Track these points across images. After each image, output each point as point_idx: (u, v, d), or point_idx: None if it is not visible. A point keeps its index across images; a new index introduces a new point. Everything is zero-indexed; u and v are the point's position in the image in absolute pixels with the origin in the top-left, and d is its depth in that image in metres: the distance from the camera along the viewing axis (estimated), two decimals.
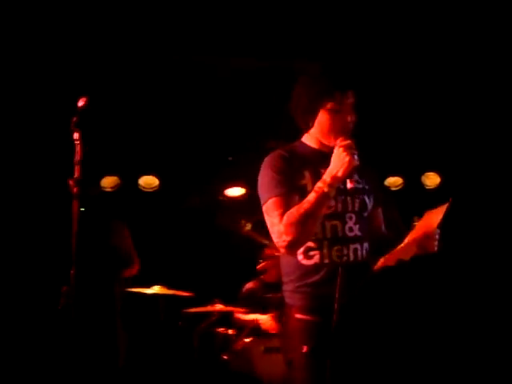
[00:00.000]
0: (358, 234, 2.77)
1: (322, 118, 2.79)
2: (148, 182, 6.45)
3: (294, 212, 2.66)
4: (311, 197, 2.65)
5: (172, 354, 5.39)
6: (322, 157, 2.79)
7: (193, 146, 6.22)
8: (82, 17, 4.43)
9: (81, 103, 2.56)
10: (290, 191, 2.72)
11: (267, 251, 5.91)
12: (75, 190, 2.48)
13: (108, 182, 6.28)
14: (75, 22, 4.45)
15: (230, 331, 5.75)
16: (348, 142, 2.67)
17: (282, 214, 2.68)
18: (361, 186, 2.81)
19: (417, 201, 6.19)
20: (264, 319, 5.57)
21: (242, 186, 6.83)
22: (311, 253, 2.75)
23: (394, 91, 5.63)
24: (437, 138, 6.11)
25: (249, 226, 5.27)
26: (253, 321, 5.65)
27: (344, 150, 2.64)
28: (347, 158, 2.62)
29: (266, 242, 5.36)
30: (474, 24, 4.84)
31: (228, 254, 6.60)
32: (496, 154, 6.03)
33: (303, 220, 2.63)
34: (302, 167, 2.78)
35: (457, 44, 5.10)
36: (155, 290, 5.06)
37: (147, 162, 6.33)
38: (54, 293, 2.45)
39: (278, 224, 2.68)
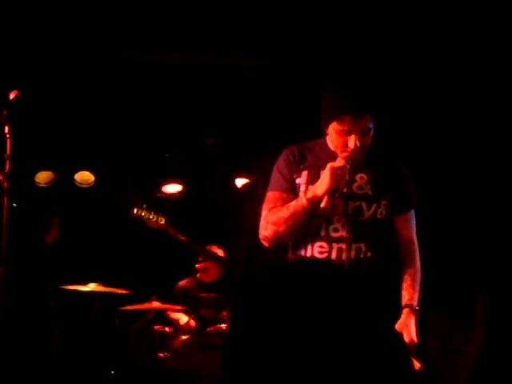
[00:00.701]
0: (345, 235, 2.87)
1: (330, 133, 2.89)
2: (84, 177, 6.36)
3: (275, 212, 2.85)
4: (291, 204, 2.82)
5: (108, 351, 5.33)
6: (333, 160, 2.88)
7: (130, 143, 6.16)
8: (12, 11, 4.33)
9: (11, 96, 2.49)
10: (286, 189, 2.88)
11: (207, 249, 5.90)
12: (5, 184, 2.42)
13: (42, 177, 6.17)
14: (5, 15, 4.35)
15: (167, 329, 5.72)
16: (340, 164, 2.76)
17: (270, 209, 2.88)
18: (362, 192, 2.89)
19: None
20: (183, 318, 5.60)
21: (179, 183, 6.80)
22: (300, 247, 2.91)
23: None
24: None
25: (162, 220, 5.22)
26: (177, 319, 5.66)
27: (330, 172, 2.74)
28: (328, 180, 2.73)
29: (183, 238, 5.33)
30: (436, 27, 4.89)
31: (166, 252, 6.56)
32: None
33: (279, 223, 2.83)
34: (303, 166, 2.91)
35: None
36: (91, 287, 4.99)
37: (83, 158, 6.24)
38: None
39: (263, 217, 2.89)
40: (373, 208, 2.90)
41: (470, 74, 5.28)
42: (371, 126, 2.85)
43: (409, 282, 2.92)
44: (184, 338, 5.63)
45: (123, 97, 5.74)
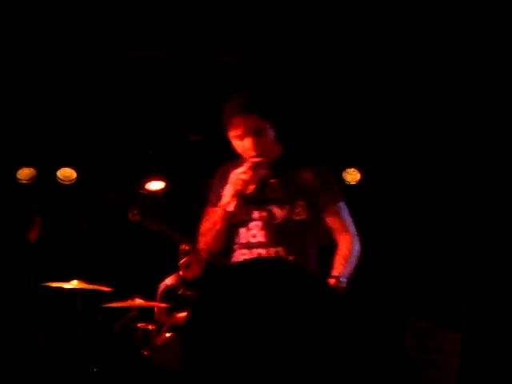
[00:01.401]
0: (263, 240, 2.93)
1: (232, 143, 2.99)
2: (66, 174, 6.32)
3: (204, 224, 3.03)
4: (213, 215, 2.98)
5: (91, 349, 5.30)
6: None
7: (113, 139, 6.13)
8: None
9: None
10: (215, 204, 3.00)
11: (185, 246, 5.89)
12: None
13: (24, 173, 6.13)
14: None
15: (150, 326, 5.71)
16: (241, 170, 2.88)
17: (203, 223, 3.04)
18: (274, 195, 2.96)
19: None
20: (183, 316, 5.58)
21: (162, 180, 6.77)
22: (231, 254, 3.03)
23: (316, 88, 5.67)
24: (357, 135, 6.20)
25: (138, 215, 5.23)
26: (172, 317, 5.64)
27: (232, 178, 2.89)
28: (231, 185, 2.88)
29: (183, 238, 5.34)
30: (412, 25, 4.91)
31: (148, 249, 6.54)
32: (416, 151, 6.16)
33: (206, 233, 3.00)
34: (227, 181, 2.97)
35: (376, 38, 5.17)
36: (73, 284, 4.96)
37: (65, 155, 6.20)
38: None
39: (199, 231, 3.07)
40: (285, 210, 2.93)
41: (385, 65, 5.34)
42: (263, 125, 2.90)
43: (336, 258, 2.91)
44: (167, 335, 5.62)
45: (106, 93, 5.71)
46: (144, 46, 5.19)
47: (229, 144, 5.81)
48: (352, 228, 2.99)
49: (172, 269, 6.05)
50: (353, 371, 2.52)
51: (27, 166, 6.08)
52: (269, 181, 2.97)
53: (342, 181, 6.46)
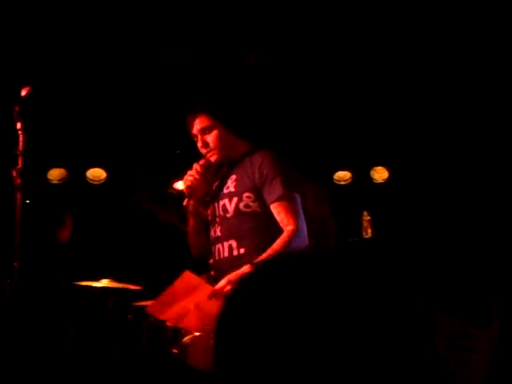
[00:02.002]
0: (219, 235, 3.06)
1: None
2: (95, 174, 6.37)
3: None
4: None
5: (121, 347, 5.35)
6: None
7: (141, 139, 6.17)
8: (25, 6, 4.35)
9: (23, 92, 2.50)
10: None
11: None
12: (18, 181, 2.43)
13: (55, 174, 6.19)
14: (17, 11, 4.37)
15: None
16: (192, 169, 3.03)
17: None
18: (228, 190, 3.07)
19: (365, 195, 6.25)
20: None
21: None
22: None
23: (342, 86, 5.66)
24: (385, 133, 6.18)
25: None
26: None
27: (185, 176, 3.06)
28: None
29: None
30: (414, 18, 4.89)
31: (178, 248, 6.57)
32: (443, 149, 6.12)
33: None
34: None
35: (404, 38, 5.15)
36: (104, 283, 5.00)
37: (95, 155, 6.26)
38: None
39: None
40: (234, 202, 3.01)
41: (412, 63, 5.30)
42: (210, 124, 3.01)
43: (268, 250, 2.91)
44: (197, 334, 5.65)
45: (136, 94, 5.75)
46: (171, 47, 5.22)
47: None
48: (296, 222, 2.92)
49: (204, 268, 6.07)
50: (388, 371, 2.52)
51: (57, 166, 6.14)
52: (228, 178, 3.07)
53: (370, 179, 6.46)
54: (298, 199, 2.99)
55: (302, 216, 2.96)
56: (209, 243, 3.13)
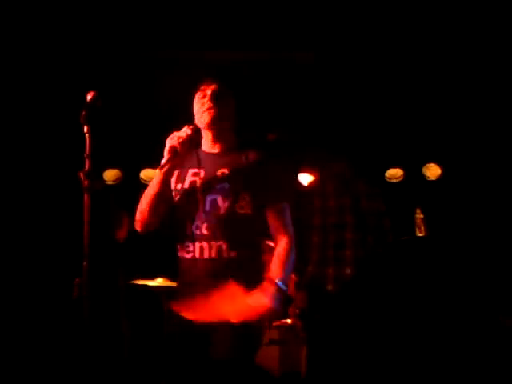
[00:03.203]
0: (205, 232, 2.84)
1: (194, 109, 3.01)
2: (149, 175, 6.44)
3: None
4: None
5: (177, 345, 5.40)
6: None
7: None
8: (91, 12, 4.45)
9: (89, 97, 2.56)
10: None
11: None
12: (86, 182, 2.49)
13: (110, 175, 6.28)
14: (84, 17, 4.47)
15: None
16: (179, 131, 2.87)
17: None
18: (220, 185, 2.87)
19: (418, 193, 6.22)
20: None
21: None
22: (177, 246, 2.97)
23: (394, 84, 5.64)
24: (437, 129, 6.13)
25: None
26: None
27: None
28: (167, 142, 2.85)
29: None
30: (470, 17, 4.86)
31: None
32: (497, 146, 6.05)
33: (142, 201, 2.93)
34: None
35: (455, 36, 5.12)
36: (159, 282, 5.07)
37: (149, 155, 6.33)
38: (68, 284, 2.47)
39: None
40: (228, 201, 2.83)
41: (464, 59, 5.23)
42: (226, 95, 2.93)
43: (274, 260, 2.85)
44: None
45: (185, 95, 5.80)
46: (221, 48, 5.26)
47: (303, 142, 5.83)
48: (291, 232, 2.90)
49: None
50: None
51: (112, 167, 6.23)
52: (219, 170, 2.88)
53: (422, 176, 6.41)
54: (289, 207, 2.96)
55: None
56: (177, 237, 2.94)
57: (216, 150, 2.95)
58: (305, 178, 6.52)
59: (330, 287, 4.23)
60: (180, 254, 2.93)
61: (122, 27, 4.69)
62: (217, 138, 2.95)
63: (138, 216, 2.93)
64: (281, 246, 2.87)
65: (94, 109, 2.55)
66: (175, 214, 2.91)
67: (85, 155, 2.52)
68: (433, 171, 6.45)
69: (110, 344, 5.16)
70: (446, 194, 6.15)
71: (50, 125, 5.37)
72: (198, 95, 2.95)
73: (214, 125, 2.89)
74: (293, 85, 5.67)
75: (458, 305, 5.16)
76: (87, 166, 2.51)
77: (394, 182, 6.46)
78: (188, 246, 2.87)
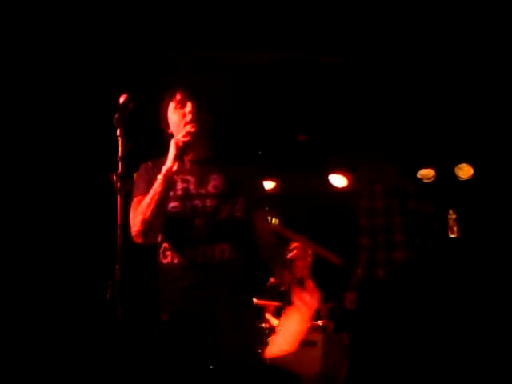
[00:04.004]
0: (205, 235, 2.85)
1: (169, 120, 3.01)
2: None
3: (139, 205, 2.84)
4: (152, 189, 2.82)
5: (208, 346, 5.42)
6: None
7: (227, 140, 6.24)
8: (124, 15, 4.48)
9: (121, 99, 2.58)
10: (147, 190, 2.86)
11: (325, 250, 5.92)
12: (118, 184, 2.50)
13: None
14: (117, 20, 4.50)
15: (264, 325, 5.79)
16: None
17: (136, 210, 2.87)
18: (218, 190, 2.91)
19: (450, 193, 6.17)
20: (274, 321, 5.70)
21: (272, 180, 6.85)
22: (166, 253, 2.91)
23: (426, 84, 5.60)
24: (469, 129, 6.08)
25: (276, 221, 5.28)
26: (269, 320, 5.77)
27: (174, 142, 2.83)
28: (173, 149, 2.80)
29: (299, 238, 5.38)
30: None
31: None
32: None
33: (144, 210, 2.79)
34: (154, 172, 2.90)
35: (484, 37, 5.07)
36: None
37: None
38: (102, 286, 2.49)
39: (131, 218, 2.86)
40: (229, 205, 2.88)
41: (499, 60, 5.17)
42: (202, 108, 2.88)
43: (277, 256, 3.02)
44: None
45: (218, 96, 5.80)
46: (247, 49, 5.27)
47: (333, 143, 5.77)
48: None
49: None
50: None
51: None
52: (211, 175, 2.93)
53: (454, 176, 6.36)
54: None
55: None
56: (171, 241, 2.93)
57: (199, 157, 2.99)
58: (337, 180, 6.51)
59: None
60: (176, 260, 2.88)
61: (154, 30, 4.72)
62: (199, 149, 2.97)
63: (142, 226, 2.81)
64: (275, 242, 3.01)
65: (126, 111, 2.55)
66: (168, 222, 2.87)
67: (117, 157, 2.52)
68: (465, 171, 6.39)
69: (143, 345, 5.19)
70: (478, 195, 6.09)
71: (83, 127, 5.41)
72: (174, 105, 2.95)
73: (195, 138, 2.87)
74: (321, 85, 5.66)
75: (492, 305, 5.11)
76: (120, 168, 2.51)
77: (425, 183, 6.41)
78: (187, 251, 2.86)
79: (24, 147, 5.64)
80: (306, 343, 5.27)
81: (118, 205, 2.48)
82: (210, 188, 2.90)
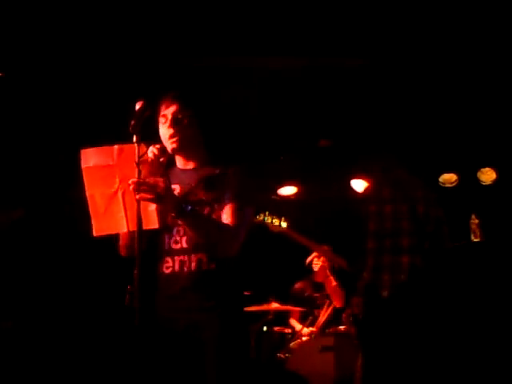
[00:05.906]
0: (185, 246, 2.82)
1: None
2: None
3: None
4: None
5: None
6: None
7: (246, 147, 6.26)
8: (140, 21, 4.51)
9: (137, 106, 2.59)
10: None
11: (329, 251, 5.91)
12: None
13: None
14: (133, 26, 4.54)
15: (286, 330, 5.79)
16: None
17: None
18: (196, 197, 2.86)
19: (472, 198, 6.13)
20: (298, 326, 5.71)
21: (294, 185, 6.85)
22: (157, 263, 2.89)
23: (450, 88, 5.57)
24: (492, 133, 6.03)
25: (285, 224, 5.27)
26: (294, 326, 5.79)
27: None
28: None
29: (305, 240, 5.37)
30: None
31: (284, 252, 6.62)
32: None
33: None
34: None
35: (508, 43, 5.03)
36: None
37: None
38: (121, 291, 2.52)
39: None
40: (206, 212, 2.81)
41: None
42: (187, 115, 2.85)
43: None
44: (304, 339, 5.68)
45: (236, 103, 5.82)
46: (269, 54, 5.27)
47: (356, 148, 5.76)
48: (237, 228, 2.81)
49: (304, 271, 6.14)
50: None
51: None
52: (193, 184, 2.88)
53: (477, 180, 6.30)
54: (250, 213, 2.93)
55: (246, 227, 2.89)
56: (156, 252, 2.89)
57: (190, 166, 2.97)
58: (359, 185, 6.49)
59: (385, 293, 4.19)
60: (158, 269, 2.87)
61: (174, 37, 4.75)
62: (188, 157, 2.96)
63: (127, 241, 2.80)
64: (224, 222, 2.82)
65: (142, 118, 2.56)
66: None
67: (135, 164, 2.54)
68: (488, 176, 6.34)
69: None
70: (501, 199, 6.03)
71: (99, 134, 5.44)
72: (160, 120, 2.92)
73: (180, 150, 2.89)
74: (343, 90, 5.64)
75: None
76: (137, 175, 2.53)
77: (448, 187, 6.37)
78: (167, 261, 2.85)
79: (42, 156, 5.70)
80: (323, 348, 5.26)
81: (137, 212, 2.50)
82: (191, 196, 2.85)
